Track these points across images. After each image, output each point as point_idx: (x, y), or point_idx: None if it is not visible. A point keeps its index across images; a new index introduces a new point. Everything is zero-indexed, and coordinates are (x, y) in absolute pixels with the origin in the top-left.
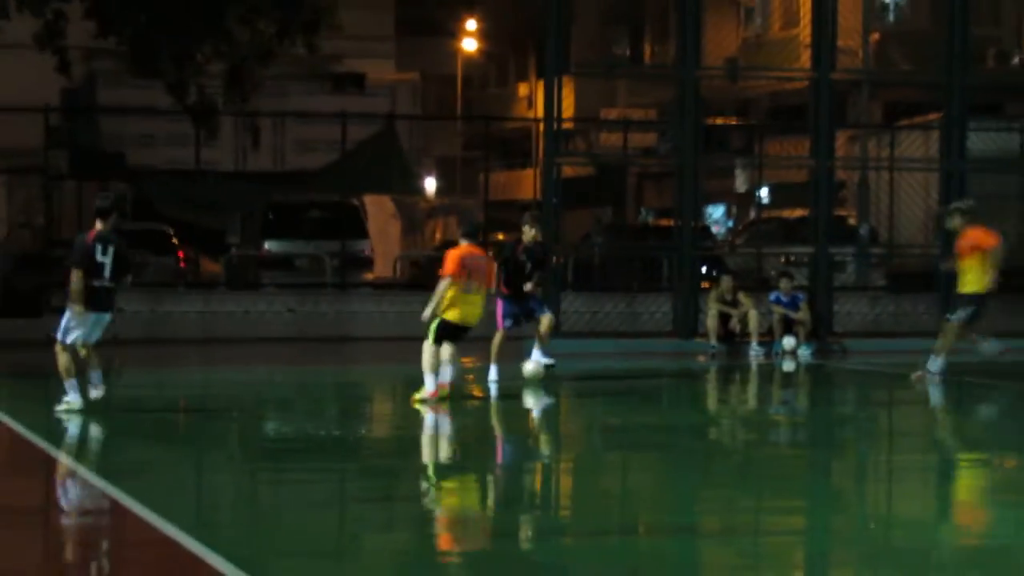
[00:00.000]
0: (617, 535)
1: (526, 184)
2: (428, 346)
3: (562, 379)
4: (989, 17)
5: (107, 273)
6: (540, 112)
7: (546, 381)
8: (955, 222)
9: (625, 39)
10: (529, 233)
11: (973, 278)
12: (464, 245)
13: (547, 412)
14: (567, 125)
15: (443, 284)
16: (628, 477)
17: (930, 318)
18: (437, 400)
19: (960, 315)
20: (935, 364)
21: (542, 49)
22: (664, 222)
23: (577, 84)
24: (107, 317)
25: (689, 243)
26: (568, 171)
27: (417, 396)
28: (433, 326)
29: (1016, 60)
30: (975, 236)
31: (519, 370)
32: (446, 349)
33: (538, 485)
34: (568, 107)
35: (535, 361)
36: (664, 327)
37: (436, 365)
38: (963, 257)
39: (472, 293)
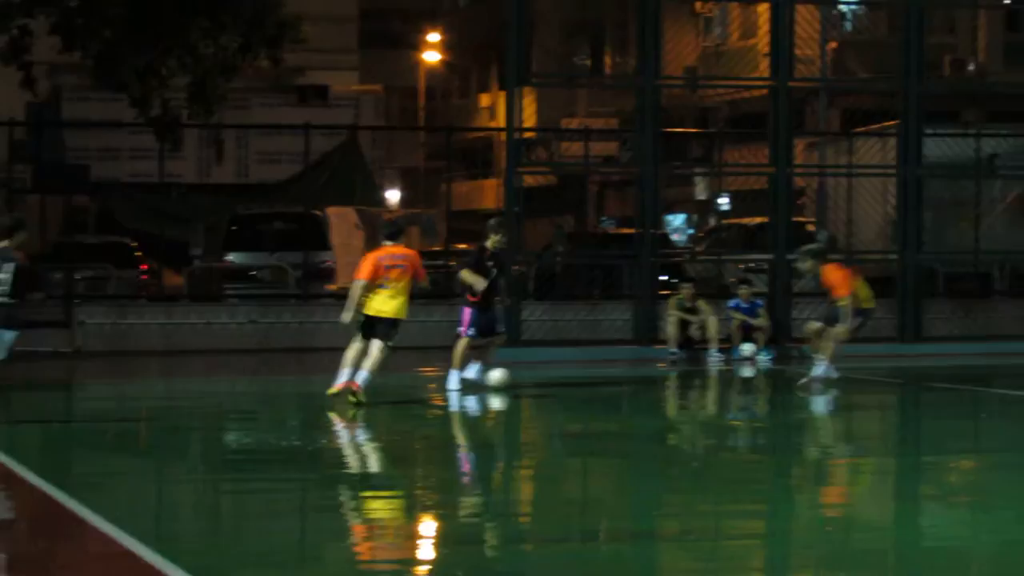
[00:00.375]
0: (578, 541)
1: (488, 194)
2: (353, 342)
3: (523, 387)
4: (944, 25)
5: (6, 290)
6: (502, 122)
7: (509, 389)
8: (807, 264)
9: (586, 49)
10: (494, 239)
11: (864, 295)
12: (385, 246)
13: (508, 420)
14: (528, 135)
15: (353, 286)
16: (589, 483)
17: (888, 323)
18: (355, 404)
19: (842, 327)
20: (820, 370)
21: (503, 60)
22: (625, 230)
23: (538, 94)
24: (8, 335)
25: (649, 251)
26: (529, 180)
27: (329, 391)
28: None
29: (971, 67)
30: (832, 277)
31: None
32: (358, 346)
33: (498, 492)
34: (529, 117)
35: (501, 369)
36: (624, 334)
37: (354, 360)
38: (837, 293)
39: (387, 287)
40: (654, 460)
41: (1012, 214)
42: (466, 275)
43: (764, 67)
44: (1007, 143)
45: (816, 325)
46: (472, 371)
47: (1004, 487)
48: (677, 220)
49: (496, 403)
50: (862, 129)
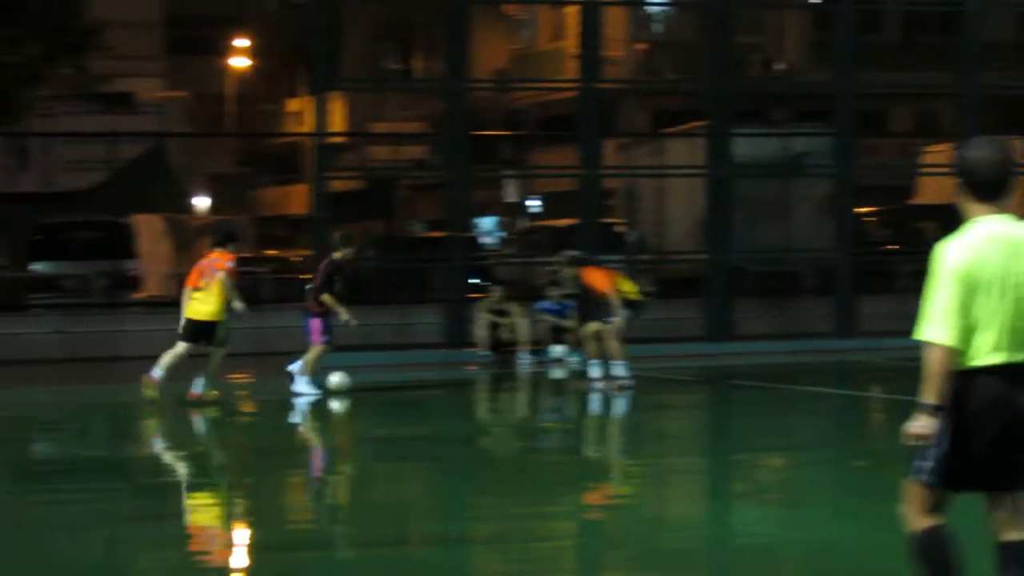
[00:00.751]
0: (389, 546)
1: (297, 199)
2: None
3: (335, 393)
4: (752, 25)
5: None
6: (310, 127)
7: (322, 395)
8: (567, 272)
9: (395, 53)
10: (343, 252)
11: (630, 289)
12: (214, 252)
13: (318, 426)
14: (337, 140)
15: (183, 293)
16: (400, 488)
17: (698, 322)
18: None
19: (617, 318)
20: (619, 369)
21: (311, 65)
22: (435, 233)
23: (347, 99)
24: None
25: (459, 254)
26: (339, 185)
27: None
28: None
29: (779, 66)
30: (592, 278)
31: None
32: (182, 349)
33: (309, 498)
34: (338, 122)
35: (340, 373)
36: (435, 338)
37: (173, 364)
38: (602, 291)
39: (203, 291)
40: (465, 463)
41: (820, 212)
42: (327, 300)
43: (573, 69)
44: (815, 142)
45: (592, 326)
46: (298, 365)
47: (813, 483)
48: (487, 223)
49: (307, 409)
50: (671, 130)
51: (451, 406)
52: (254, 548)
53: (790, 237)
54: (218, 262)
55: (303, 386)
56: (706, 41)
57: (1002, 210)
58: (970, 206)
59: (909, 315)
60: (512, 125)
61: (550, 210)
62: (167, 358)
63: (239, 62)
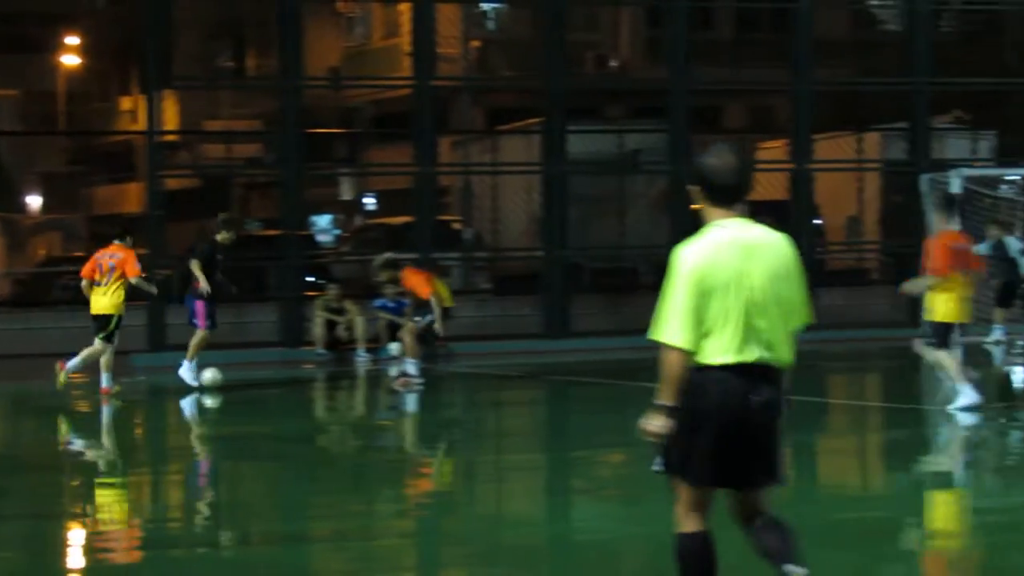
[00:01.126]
0: (230, 546)
1: (131, 197)
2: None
3: (170, 392)
4: (587, 23)
5: None
6: (143, 125)
7: (150, 393)
8: (384, 275)
9: (229, 51)
10: (224, 235)
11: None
12: (112, 246)
13: (153, 425)
14: (170, 138)
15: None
16: (239, 487)
17: (535, 320)
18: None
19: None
20: (411, 367)
21: (144, 63)
22: (270, 232)
23: (180, 97)
24: None
25: (295, 252)
26: (173, 183)
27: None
28: None
29: (613, 63)
30: (412, 281)
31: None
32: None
33: (148, 498)
34: (171, 120)
35: (212, 369)
36: (272, 336)
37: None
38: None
39: (101, 286)
40: (304, 462)
41: (655, 209)
42: (195, 267)
43: (407, 66)
44: (649, 138)
45: (411, 325)
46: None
47: (651, 479)
48: (323, 221)
49: (139, 408)
50: (506, 127)
51: (289, 405)
52: (88, 550)
53: (626, 234)
54: (120, 258)
55: (186, 372)
56: (541, 38)
57: (739, 214)
58: (709, 210)
59: None
60: (347, 123)
61: (386, 208)
62: (92, 360)
63: (70, 60)
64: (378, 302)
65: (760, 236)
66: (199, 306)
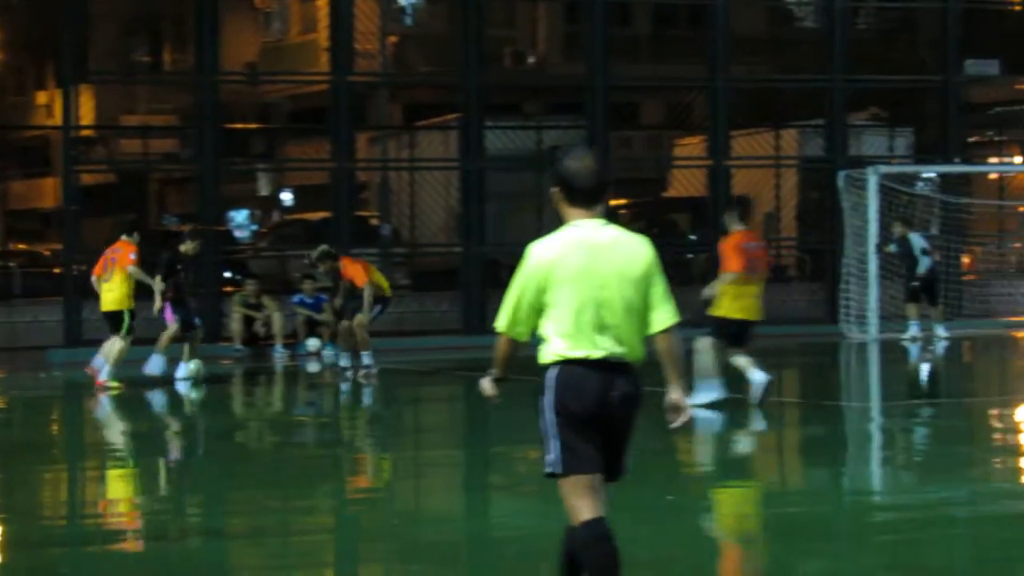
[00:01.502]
0: (149, 541)
1: (47, 192)
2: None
3: (84, 388)
4: (504, 19)
5: None
6: (59, 120)
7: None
8: (322, 266)
9: (145, 46)
10: (189, 245)
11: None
12: (118, 242)
13: (66, 421)
14: (87, 132)
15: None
16: (158, 482)
17: (454, 316)
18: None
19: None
20: (367, 359)
21: (60, 57)
22: (187, 227)
23: (97, 91)
24: None
25: (212, 248)
26: (89, 179)
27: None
28: None
29: (531, 59)
30: (350, 271)
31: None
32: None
33: (63, 493)
34: (88, 114)
35: (196, 361)
36: None
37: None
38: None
39: (106, 282)
40: (222, 458)
41: None
42: (156, 283)
43: (325, 62)
44: (567, 134)
45: (354, 320)
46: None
47: None
48: (240, 216)
49: (57, 404)
50: (424, 123)
51: (207, 401)
52: (8, 544)
53: (543, 229)
54: (120, 252)
55: (155, 364)
56: (459, 34)
57: (597, 215)
58: (567, 211)
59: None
60: (264, 118)
61: (303, 203)
62: (112, 354)
63: None
64: (295, 298)
65: (613, 237)
66: (167, 308)
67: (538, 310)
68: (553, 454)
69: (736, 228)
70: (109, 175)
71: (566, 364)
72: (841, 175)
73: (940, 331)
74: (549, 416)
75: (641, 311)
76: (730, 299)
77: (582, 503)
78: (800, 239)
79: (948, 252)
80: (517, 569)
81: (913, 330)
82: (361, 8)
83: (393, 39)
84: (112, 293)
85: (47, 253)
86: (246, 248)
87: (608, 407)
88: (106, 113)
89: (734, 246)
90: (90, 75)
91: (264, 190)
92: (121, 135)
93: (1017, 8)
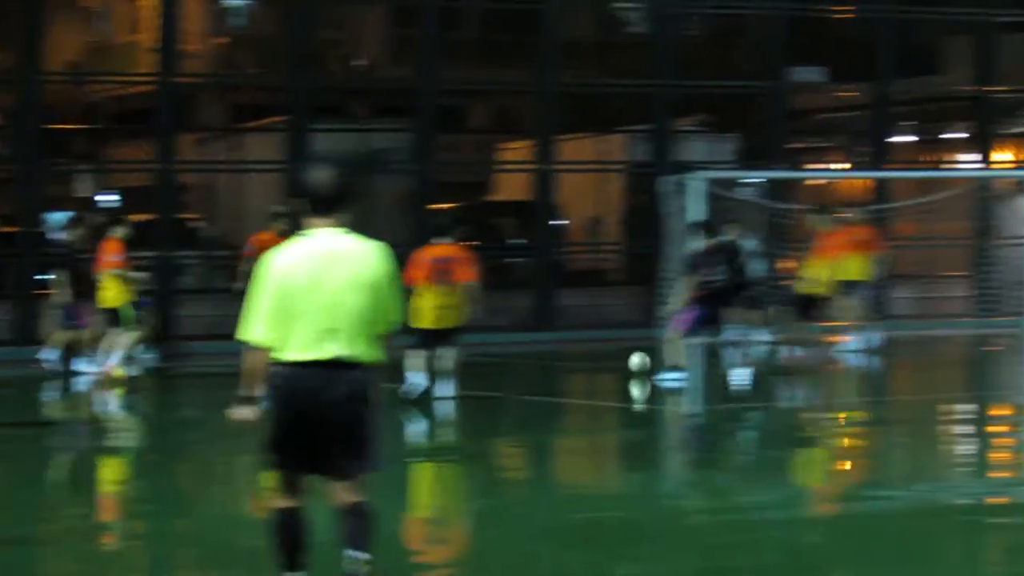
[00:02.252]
0: None
1: None
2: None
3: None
4: (333, 21)
5: None
6: None
7: None
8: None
9: None
10: (72, 234)
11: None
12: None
13: None
14: None
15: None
16: None
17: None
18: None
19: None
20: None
21: None
22: (6, 229)
23: None
24: None
25: (30, 250)
26: None
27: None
28: None
29: (359, 62)
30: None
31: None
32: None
33: None
34: None
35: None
36: (4, 335)
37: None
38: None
39: (103, 279)
40: (33, 462)
41: (399, 208)
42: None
43: (150, 62)
44: (395, 138)
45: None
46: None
47: (377, 475)
48: (59, 218)
49: None
50: (250, 124)
51: (21, 404)
52: None
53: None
54: (106, 250)
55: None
56: (286, 36)
57: (336, 224)
58: (308, 219)
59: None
60: (87, 118)
61: (126, 205)
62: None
63: None
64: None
65: (346, 245)
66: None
67: (283, 316)
68: (266, 442)
69: (437, 241)
70: None
71: (289, 365)
72: (664, 180)
73: (761, 336)
74: (271, 410)
75: (373, 315)
76: (422, 310)
77: (279, 493)
78: (623, 243)
79: (772, 257)
80: (328, 570)
81: (731, 334)
82: (188, 8)
83: (221, 40)
84: (106, 291)
85: None
86: (64, 250)
87: (324, 407)
88: None
89: (422, 260)
90: None
91: (86, 191)
92: None
93: (844, 16)
